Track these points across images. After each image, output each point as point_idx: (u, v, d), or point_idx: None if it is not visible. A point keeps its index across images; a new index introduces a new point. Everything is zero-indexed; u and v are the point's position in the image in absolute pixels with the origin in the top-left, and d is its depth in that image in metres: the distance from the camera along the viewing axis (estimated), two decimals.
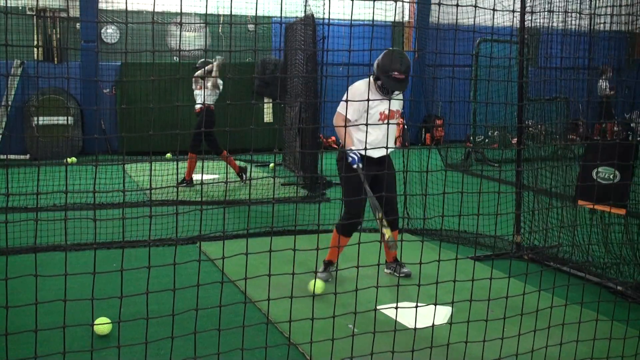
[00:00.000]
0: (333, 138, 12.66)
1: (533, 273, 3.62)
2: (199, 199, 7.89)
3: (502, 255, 5.69)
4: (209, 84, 8.57)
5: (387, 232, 4.44)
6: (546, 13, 6.03)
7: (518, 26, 6.06)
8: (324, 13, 8.48)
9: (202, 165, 9.11)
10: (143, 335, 2.52)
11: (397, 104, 4.79)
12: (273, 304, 3.22)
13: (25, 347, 3.54)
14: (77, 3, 11.89)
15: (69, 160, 10.31)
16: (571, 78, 6.17)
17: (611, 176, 4.97)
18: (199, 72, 8.76)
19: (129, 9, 11.56)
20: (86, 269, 4.35)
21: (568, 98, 6.27)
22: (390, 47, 5.39)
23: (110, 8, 12.00)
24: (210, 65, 8.79)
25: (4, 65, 9.16)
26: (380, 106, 4.67)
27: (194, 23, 12.64)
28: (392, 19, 13.15)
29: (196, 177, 8.81)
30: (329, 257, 5.00)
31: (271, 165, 10.83)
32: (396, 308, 2.81)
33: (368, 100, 3.00)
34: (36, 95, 11.26)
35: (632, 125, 11.06)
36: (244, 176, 8.81)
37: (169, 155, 11.52)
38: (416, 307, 2.87)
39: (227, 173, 6.31)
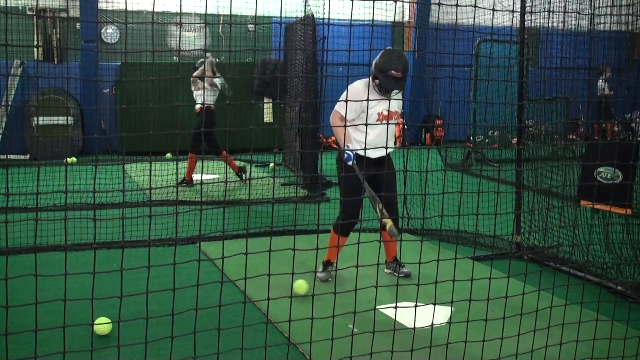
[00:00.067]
0: (333, 138, 12.65)
1: (533, 273, 3.62)
2: (199, 199, 7.88)
3: (502, 255, 5.70)
4: (206, 84, 8.57)
5: (388, 222, 4.43)
6: (546, 13, 6.03)
7: (518, 26, 6.06)
8: (323, 13, 8.47)
9: (202, 165, 9.10)
10: (143, 335, 2.52)
11: (396, 105, 4.77)
12: (273, 304, 3.22)
13: (25, 347, 3.54)
14: (77, 3, 11.90)
15: (69, 160, 10.31)
16: (571, 78, 6.17)
17: (612, 176, 4.97)
18: (195, 73, 8.75)
19: (129, 9, 11.56)
20: (86, 269, 4.37)
21: (568, 98, 6.27)
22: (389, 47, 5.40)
23: (110, 8, 12.00)
24: (202, 65, 8.74)
25: (4, 65, 9.15)
26: (378, 107, 4.67)
27: (194, 23, 12.64)
28: (392, 19, 13.15)
29: (196, 177, 8.80)
30: (327, 257, 5.00)
31: (271, 165, 10.83)
32: (396, 308, 2.80)
33: (368, 100, 2.99)
34: (36, 95, 11.25)
35: (632, 125, 11.07)
36: (244, 176, 8.79)
37: (168, 155, 11.52)
38: (415, 307, 2.88)
39: (227, 173, 6.30)
